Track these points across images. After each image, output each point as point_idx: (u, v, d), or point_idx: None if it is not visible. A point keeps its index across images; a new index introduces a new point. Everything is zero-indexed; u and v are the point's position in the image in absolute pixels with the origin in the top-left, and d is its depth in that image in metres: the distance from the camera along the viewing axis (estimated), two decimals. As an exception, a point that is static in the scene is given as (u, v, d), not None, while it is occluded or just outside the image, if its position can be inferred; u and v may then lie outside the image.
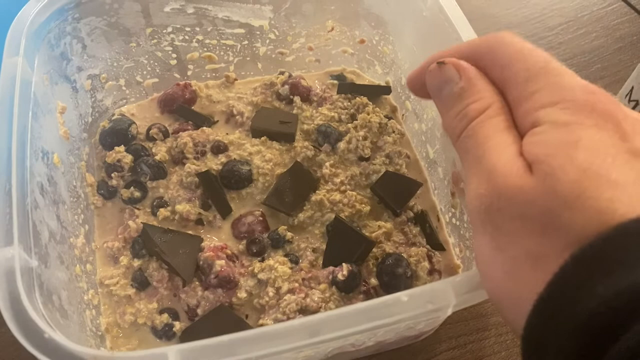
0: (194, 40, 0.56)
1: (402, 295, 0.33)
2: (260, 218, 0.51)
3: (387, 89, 0.59)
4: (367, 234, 0.50)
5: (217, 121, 0.58)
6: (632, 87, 0.55)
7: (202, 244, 0.48)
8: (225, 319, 0.45)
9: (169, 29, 0.55)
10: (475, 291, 0.33)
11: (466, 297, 0.33)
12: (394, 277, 0.47)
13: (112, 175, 0.52)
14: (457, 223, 0.49)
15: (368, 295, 0.46)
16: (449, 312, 0.34)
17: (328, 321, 0.32)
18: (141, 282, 0.47)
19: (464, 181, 0.29)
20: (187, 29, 0.55)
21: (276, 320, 0.44)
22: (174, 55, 0.57)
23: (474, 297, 0.33)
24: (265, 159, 0.53)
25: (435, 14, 0.47)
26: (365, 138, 0.55)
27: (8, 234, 0.34)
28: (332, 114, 0.57)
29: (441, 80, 0.31)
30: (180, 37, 0.56)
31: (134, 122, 0.55)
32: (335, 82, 0.61)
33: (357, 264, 0.47)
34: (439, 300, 0.33)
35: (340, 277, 0.46)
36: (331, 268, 0.47)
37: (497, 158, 0.27)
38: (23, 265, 0.34)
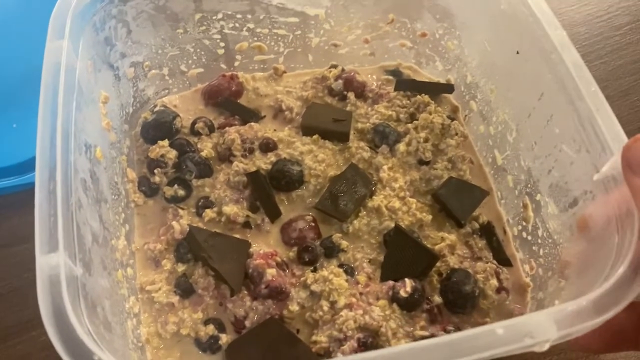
0: (245, 29, 0.53)
1: (497, 328, 0.29)
2: (312, 223, 0.47)
3: (449, 87, 0.55)
4: (429, 245, 0.46)
5: (265, 116, 0.55)
6: None
7: (251, 249, 0.45)
8: (275, 333, 0.42)
9: (219, 15, 0.51)
10: (579, 325, 0.29)
11: (568, 332, 0.29)
12: (461, 296, 0.43)
13: (155, 171, 0.48)
14: (529, 238, 0.45)
15: (431, 315, 0.43)
16: (546, 347, 0.29)
17: (408, 356, 0.28)
18: (185, 289, 0.43)
19: None
20: (239, 15, 0.52)
21: (332, 338, 0.41)
22: (222, 44, 0.54)
23: (576, 332, 0.29)
24: (318, 159, 0.50)
25: (517, 7, 0.43)
26: (426, 140, 0.51)
27: (52, 239, 0.31)
28: (390, 112, 0.53)
29: None
30: (231, 25, 0.52)
31: (178, 115, 0.52)
32: (391, 77, 0.57)
33: (419, 279, 0.43)
34: (539, 334, 0.29)
35: (402, 293, 0.42)
36: (391, 283, 0.43)
37: None
38: (68, 273, 0.30)
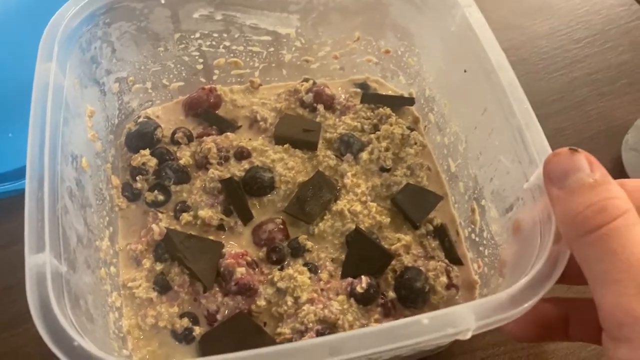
0: (221, 46, 0.57)
1: (423, 318, 0.33)
2: (281, 226, 0.51)
3: (410, 100, 0.59)
4: (386, 246, 0.50)
5: (241, 126, 0.59)
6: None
7: (223, 250, 0.49)
8: (243, 326, 0.46)
9: (197, 35, 0.55)
10: (496, 316, 0.33)
11: (486, 322, 0.33)
12: (412, 291, 0.47)
13: (137, 178, 0.53)
14: (477, 239, 0.49)
15: (385, 309, 0.47)
16: (469, 335, 0.34)
17: (349, 340, 0.32)
18: (163, 286, 0.48)
19: (592, 276, 0.30)
20: (215, 34, 0.56)
21: (294, 330, 0.45)
22: (201, 60, 0.58)
23: (494, 322, 0.33)
24: (288, 166, 0.54)
25: (464, 30, 0.47)
26: (387, 149, 0.55)
27: (40, 241, 0.35)
28: (355, 123, 0.57)
29: (570, 166, 0.32)
30: (208, 43, 0.56)
31: (160, 126, 0.56)
32: (359, 90, 0.61)
33: (375, 276, 0.48)
34: (460, 324, 0.33)
35: (359, 289, 0.46)
36: (350, 279, 0.47)
37: None
38: (53, 271, 0.35)
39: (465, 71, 0.48)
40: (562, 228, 0.34)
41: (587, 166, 0.32)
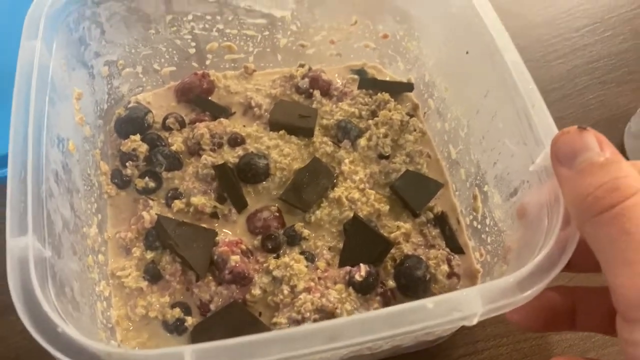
0: (214, 29, 0.55)
1: (428, 302, 0.31)
2: (277, 214, 0.50)
3: (409, 86, 0.58)
4: (385, 234, 0.48)
5: (235, 112, 0.57)
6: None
7: (217, 238, 0.47)
8: (238, 316, 0.44)
9: (190, 17, 0.54)
10: (503, 300, 0.32)
11: (493, 306, 0.32)
12: (412, 280, 0.46)
13: (127, 164, 0.51)
14: (479, 227, 0.48)
15: (385, 298, 0.45)
16: (475, 321, 0.32)
17: (349, 326, 0.31)
18: (153, 275, 0.46)
19: (605, 258, 0.29)
20: (208, 17, 0.54)
21: (290, 319, 0.43)
22: (193, 44, 0.56)
23: (501, 307, 0.32)
24: (283, 153, 0.52)
25: (465, 10, 0.46)
26: (385, 135, 0.53)
27: (22, 223, 0.33)
28: (353, 109, 0.56)
29: (579, 145, 0.31)
30: (201, 26, 0.55)
31: (150, 111, 0.54)
32: (356, 77, 0.60)
33: (374, 265, 0.46)
34: (466, 308, 0.32)
35: (357, 277, 0.45)
36: (348, 268, 0.46)
37: None
38: (37, 255, 0.33)
39: (467, 53, 0.47)
40: (571, 209, 0.33)
41: (596, 145, 0.31)
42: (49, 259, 0.34)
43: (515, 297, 0.32)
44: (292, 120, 0.55)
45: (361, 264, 0.45)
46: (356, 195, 0.50)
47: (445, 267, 0.47)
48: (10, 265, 0.32)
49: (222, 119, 0.54)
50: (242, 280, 0.45)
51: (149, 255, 0.47)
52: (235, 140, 0.53)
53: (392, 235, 0.48)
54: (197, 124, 0.54)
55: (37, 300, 0.31)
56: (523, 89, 0.40)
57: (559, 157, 0.33)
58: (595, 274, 0.39)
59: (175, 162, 0.51)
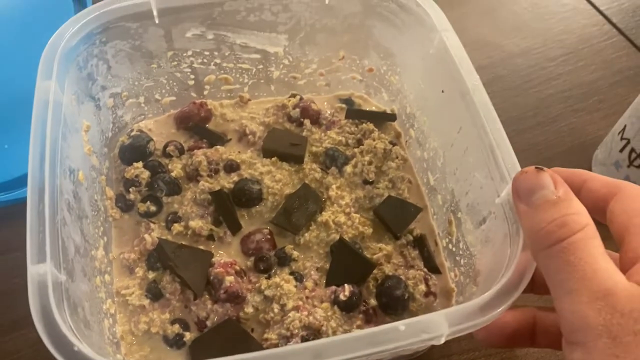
0: (212, 63, 0.59)
1: (400, 325, 0.35)
2: (268, 236, 0.54)
3: (392, 117, 0.62)
4: (368, 255, 0.53)
5: (230, 139, 0.61)
6: (625, 126, 0.59)
7: (213, 259, 0.51)
8: (232, 332, 0.48)
9: (189, 53, 0.58)
10: (467, 323, 0.36)
11: (458, 328, 0.36)
12: (392, 299, 0.50)
13: (130, 189, 0.55)
14: (453, 249, 0.52)
15: (367, 315, 0.50)
16: (442, 340, 0.36)
17: (331, 346, 0.35)
18: (155, 294, 0.50)
19: (553, 286, 0.33)
20: (206, 53, 0.58)
21: (280, 335, 0.47)
22: (192, 76, 0.60)
23: (465, 329, 0.36)
24: (275, 179, 0.56)
25: (441, 53, 0.50)
26: (370, 163, 0.58)
27: (41, 252, 0.37)
28: (340, 138, 0.60)
29: (536, 184, 0.35)
30: (199, 60, 0.59)
31: (152, 139, 0.58)
32: (344, 105, 0.64)
33: (358, 285, 0.50)
34: (433, 330, 0.36)
35: (342, 297, 0.49)
36: (333, 288, 0.50)
37: (612, 281, 0.30)
38: (54, 280, 0.36)
39: (442, 91, 0.51)
40: (528, 241, 0.37)
41: (551, 184, 0.35)
42: (63, 283, 0.38)
43: (478, 319, 0.36)
44: (283, 147, 0.59)
45: (345, 284, 0.49)
46: (342, 219, 0.54)
47: (422, 287, 0.51)
48: (31, 290, 0.36)
49: (218, 147, 0.58)
50: (236, 299, 0.49)
51: (151, 275, 0.51)
52: (231, 167, 0.57)
53: (375, 256, 0.53)
54: (195, 151, 0.58)
55: (55, 321, 0.35)
56: (490, 129, 0.44)
57: (519, 194, 0.37)
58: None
59: (175, 188, 0.55)
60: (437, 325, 0.36)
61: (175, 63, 0.58)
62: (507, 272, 0.38)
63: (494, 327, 0.38)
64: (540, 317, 0.41)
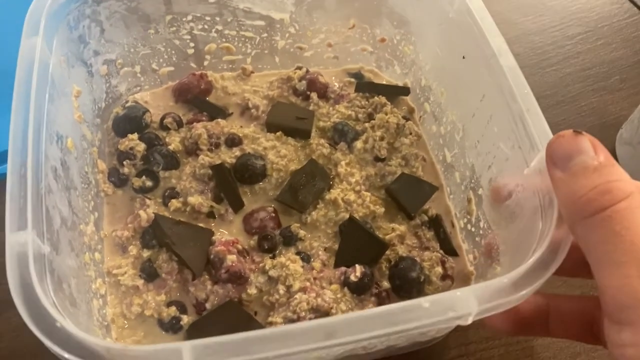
0: (213, 30, 0.56)
1: (424, 301, 0.32)
2: (273, 214, 0.50)
3: (405, 90, 0.59)
4: (380, 235, 0.49)
5: (232, 113, 0.57)
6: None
7: (213, 237, 0.48)
8: (233, 315, 0.44)
9: (189, 17, 0.54)
10: (498, 300, 0.32)
11: (488, 306, 0.32)
12: (407, 281, 0.46)
13: (124, 163, 0.51)
14: (473, 230, 0.49)
15: (379, 298, 0.46)
16: (470, 320, 0.33)
17: (345, 324, 0.31)
18: (150, 273, 0.46)
19: (595, 259, 0.29)
20: (207, 18, 0.55)
21: (286, 319, 0.43)
22: (192, 45, 0.56)
23: (495, 307, 0.32)
24: (280, 154, 0.53)
25: (463, 16, 0.46)
26: (382, 138, 0.54)
27: (22, 218, 0.33)
28: (350, 112, 0.56)
29: (574, 149, 0.32)
30: (200, 26, 0.55)
31: (148, 110, 0.55)
32: (353, 80, 0.60)
33: (369, 266, 0.47)
34: (461, 308, 0.32)
35: (352, 278, 0.45)
36: (343, 269, 0.46)
37: None
38: (36, 250, 0.33)
39: (463, 57, 0.48)
40: (564, 211, 0.33)
41: (590, 148, 0.32)
42: (47, 255, 0.34)
43: (509, 297, 0.33)
44: (289, 122, 0.55)
45: (356, 265, 0.46)
46: (352, 197, 0.50)
47: (439, 269, 0.47)
48: (9, 259, 0.32)
49: (219, 120, 0.55)
50: (238, 279, 0.45)
51: (146, 253, 0.47)
52: (233, 141, 0.53)
53: (387, 237, 0.49)
54: (194, 124, 0.54)
55: (36, 295, 0.31)
56: (518, 94, 0.41)
57: (554, 160, 0.33)
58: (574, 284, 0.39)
59: (172, 162, 0.52)
60: (465, 302, 0.32)
61: (174, 29, 0.54)
62: (539, 248, 0.35)
63: (505, 313, 0.35)
64: (554, 305, 0.38)
